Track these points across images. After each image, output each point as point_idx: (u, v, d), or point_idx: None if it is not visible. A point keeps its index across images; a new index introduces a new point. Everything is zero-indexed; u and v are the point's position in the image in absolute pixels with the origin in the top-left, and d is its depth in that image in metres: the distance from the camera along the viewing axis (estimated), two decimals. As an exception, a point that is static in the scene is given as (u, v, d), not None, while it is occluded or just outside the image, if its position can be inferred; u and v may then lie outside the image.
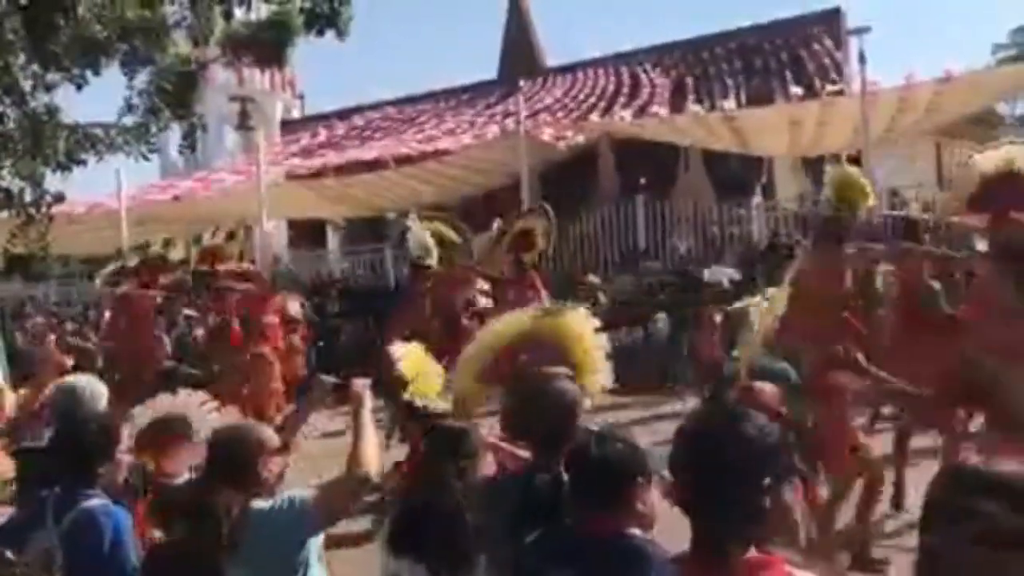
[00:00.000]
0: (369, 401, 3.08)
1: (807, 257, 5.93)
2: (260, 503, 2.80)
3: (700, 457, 1.87)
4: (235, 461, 2.85)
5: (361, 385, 3.10)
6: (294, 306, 10.33)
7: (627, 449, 2.40)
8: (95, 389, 4.13)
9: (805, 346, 5.00)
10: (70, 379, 4.36)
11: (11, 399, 7.28)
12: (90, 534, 3.09)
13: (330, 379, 3.64)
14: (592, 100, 18.29)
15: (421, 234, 9.54)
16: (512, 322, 3.99)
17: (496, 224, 10.35)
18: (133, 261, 10.97)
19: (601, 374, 3.80)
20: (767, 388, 4.05)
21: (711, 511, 1.84)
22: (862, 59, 13.10)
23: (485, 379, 3.81)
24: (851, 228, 5.88)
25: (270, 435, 3.00)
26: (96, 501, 3.15)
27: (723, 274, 11.73)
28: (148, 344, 9.71)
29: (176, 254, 11.36)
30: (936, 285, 6.50)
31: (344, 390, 3.24)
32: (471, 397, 3.89)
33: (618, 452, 2.38)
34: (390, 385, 3.81)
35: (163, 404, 3.91)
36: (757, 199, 16.43)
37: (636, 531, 2.33)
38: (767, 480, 1.84)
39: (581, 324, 3.86)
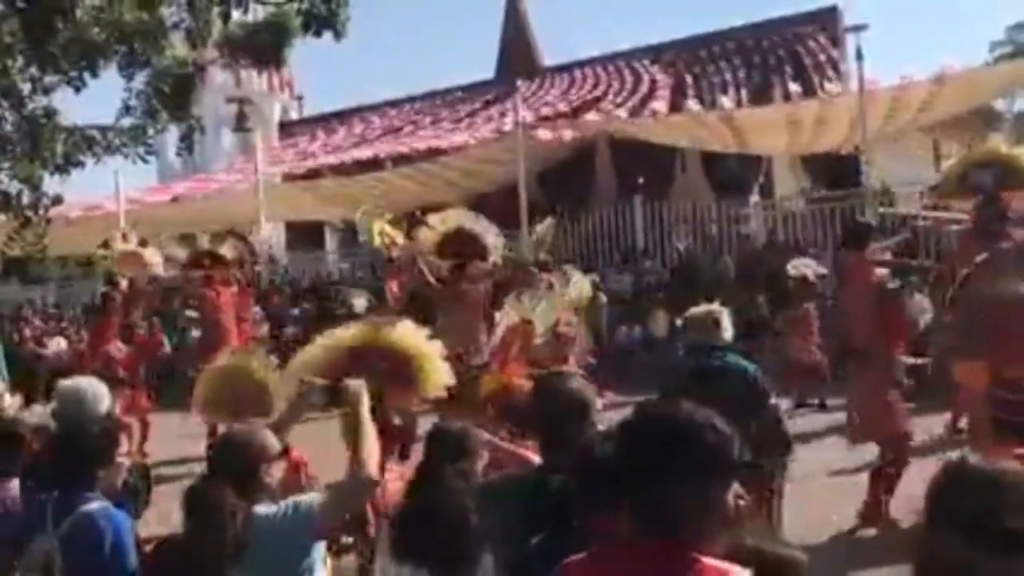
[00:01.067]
0: (366, 401, 3.07)
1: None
2: (264, 508, 2.77)
3: (639, 452, 1.83)
4: (239, 467, 2.83)
5: (357, 385, 3.08)
6: (360, 302, 10.33)
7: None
8: (97, 392, 4.11)
9: None
10: (72, 382, 4.33)
11: (9, 401, 7.29)
12: (90, 537, 3.07)
13: (320, 380, 3.62)
14: (590, 99, 18.29)
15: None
16: (349, 333, 4.23)
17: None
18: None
19: (441, 375, 4.09)
20: (523, 384, 4.18)
21: (646, 508, 1.80)
22: (859, 56, 13.13)
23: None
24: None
25: (272, 440, 2.99)
26: (96, 504, 3.14)
27: (807, 266, 10.76)
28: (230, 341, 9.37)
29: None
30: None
31: (335, 391, 3.24)
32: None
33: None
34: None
35: None
36: (755, 198, 16.44)
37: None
38: (707, 479, 1.78)
39: (414, 333, 4.16)
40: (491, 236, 8.95)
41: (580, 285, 10.29)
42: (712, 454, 1.79)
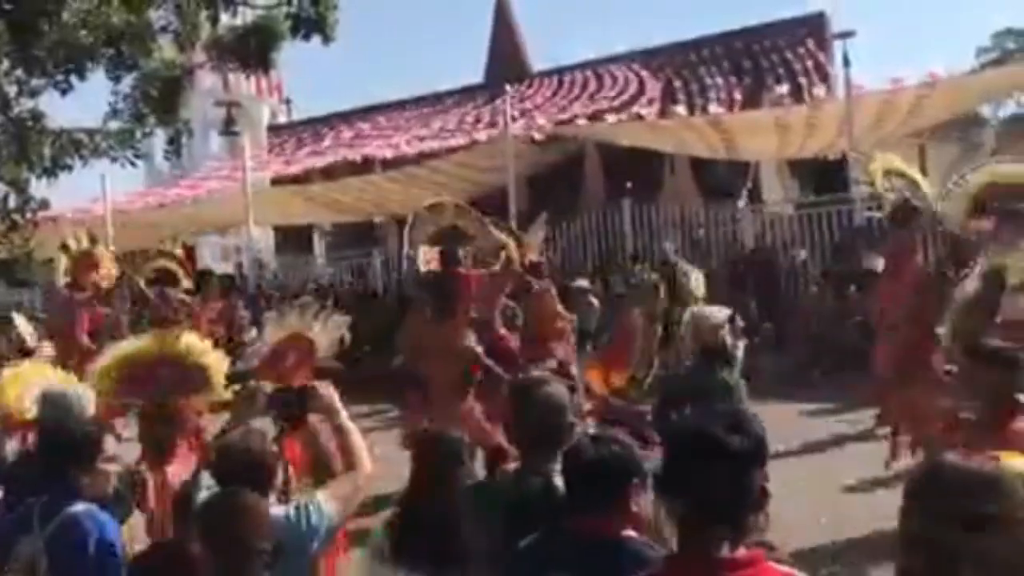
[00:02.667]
0: (339, 403, 3.08)
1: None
2: (277, 510, 2.74)
3: (692, 456, 1.87)
4: (257, 471, 2.79)
5: (325, 387, 3.09)
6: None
7: (622, 451, 2.39)
8: (84, 396, 4.10)
9: None
10: (57, 386, 4.31)
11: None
12: (74, 538, 3.08)
13: (268, 385, 3.67)
14: (579, 103, 18.31)
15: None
16: (142, 342, 4.67)
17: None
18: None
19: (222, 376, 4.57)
20: None
21: (699, 510, 1.84)
22: (846, 63, 13.20)
23: (121, 394, 4.33)
24: None
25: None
26: (81, 506, 3.15)
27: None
28: None
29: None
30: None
31: (284, 396, 3.31)
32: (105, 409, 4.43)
33: (613, 454, 2.38)
34: None
35: None
36: (743, 202, 16.47)
37: (632, 533, 2.32)
38: (752, 477, 1.85)
39: (197, 341, 4.66)
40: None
41: (697, 279, 10.28)
42: (762, 456, 1.88)
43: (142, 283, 10.47)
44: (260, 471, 2.80)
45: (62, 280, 10.57)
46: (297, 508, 2.78)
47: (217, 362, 4.59)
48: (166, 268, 11.02)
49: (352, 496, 2.95)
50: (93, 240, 10.90)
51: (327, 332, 5.46)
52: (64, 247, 10.69)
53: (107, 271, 10.53)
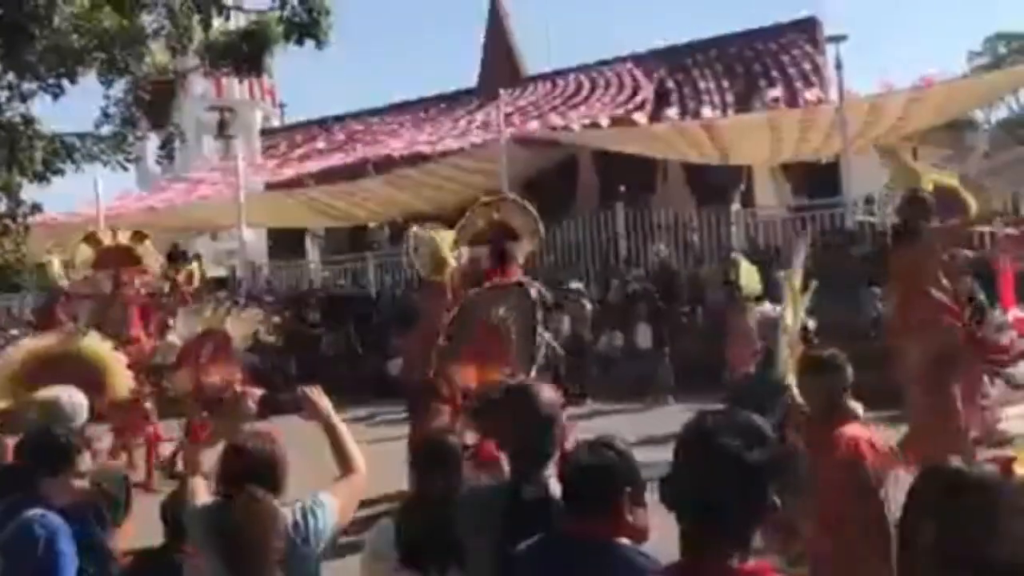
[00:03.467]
0: (328, 404, 3.09)
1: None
2: (285, 511, 2.72)
3: (699, 464, 1.83)
4: (272, 474, 2.77)
5: (317, 393, 3.09)
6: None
7: (619, 458, 2.38)
8: (75, 404, 4.10)
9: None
10: (52, 393, 4.29)
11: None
12: (24, 543, 3.15)
13: (256, 392, 3.69)
14: (572, 108, 18.31)
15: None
16: (45, 342, 4.91)
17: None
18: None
19: (124, 381, 4.87)
20: (234, 381, 4.68)
21: (704, 518, 1.81)
22: (839, 66, 13.22)
23: (13, 391, 4.55)
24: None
25: None
26: (36, 511, 3.21)
27: None
28: None
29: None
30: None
31: (271, 401, 3.32)
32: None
33: (609, 460, 2.37)
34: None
35: None
36: (736, 206, 16.48)
37: (625, 541, 2.31)
38: (766, 490, 1.81)
39: (101, 343, 4.88)
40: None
41: (749, 275, 10.05)
42: (777, 467, 1.84)
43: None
44: (271, 471, 2.79)
45: (82, 273, 10.10)
46: (304, 510, 2.78)
47: (115, 363, 4.80)
48: (191, 272, 11.52)
49: (352, 498, 2.97)
50: (140, 236, 10.29)
51: (241, 325, 5.67)
52: (92, 238, 10.14)
53: (151, 274, 10.22)
